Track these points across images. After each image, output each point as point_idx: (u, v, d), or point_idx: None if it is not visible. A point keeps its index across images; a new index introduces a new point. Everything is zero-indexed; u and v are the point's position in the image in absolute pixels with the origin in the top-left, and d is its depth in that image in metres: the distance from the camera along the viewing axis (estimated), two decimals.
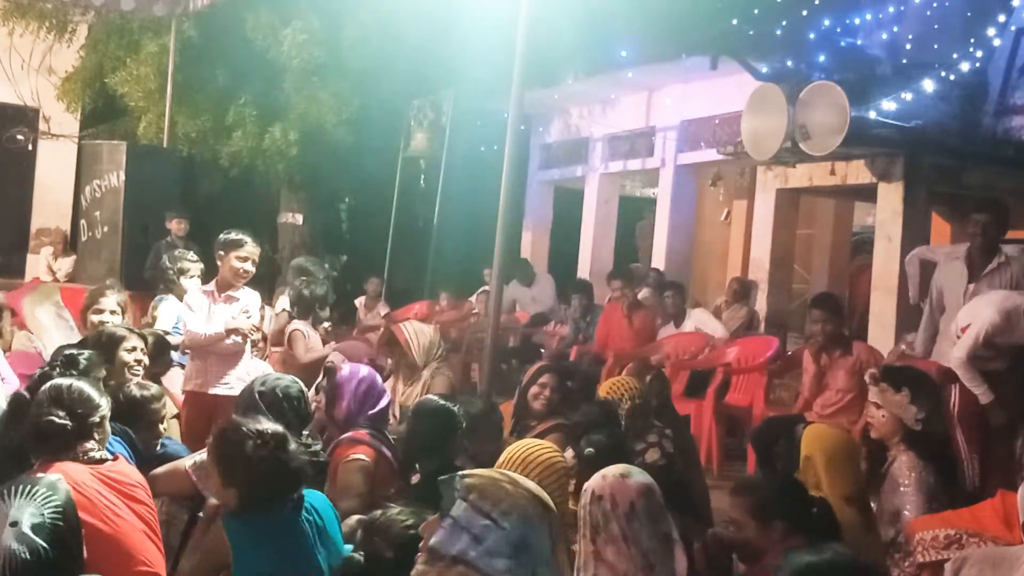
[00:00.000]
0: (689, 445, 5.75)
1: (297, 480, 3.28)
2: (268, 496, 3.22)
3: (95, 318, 5.89)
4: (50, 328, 6.84)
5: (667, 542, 2.86)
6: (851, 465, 4.09)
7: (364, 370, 4.82)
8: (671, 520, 2.96)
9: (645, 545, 2.80)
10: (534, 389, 5.47)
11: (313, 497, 3.39)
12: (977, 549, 3.65)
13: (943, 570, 3.63)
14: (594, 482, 2.90)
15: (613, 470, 2.96)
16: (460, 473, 2.38)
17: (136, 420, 4.16)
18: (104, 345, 4.94)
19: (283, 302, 7.77)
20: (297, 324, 6.70)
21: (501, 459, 3.48)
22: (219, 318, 5.52)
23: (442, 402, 4.39)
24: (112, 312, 6.01)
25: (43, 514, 2.48)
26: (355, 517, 3.90)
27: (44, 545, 2.44)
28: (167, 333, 6.37)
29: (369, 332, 10.47)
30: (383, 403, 4.75)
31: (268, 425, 3.32)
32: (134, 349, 5.04)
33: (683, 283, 9.83)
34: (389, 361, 7.35)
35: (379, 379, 4.90)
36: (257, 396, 4.09)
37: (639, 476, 2.93)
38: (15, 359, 5.82)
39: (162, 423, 4.40)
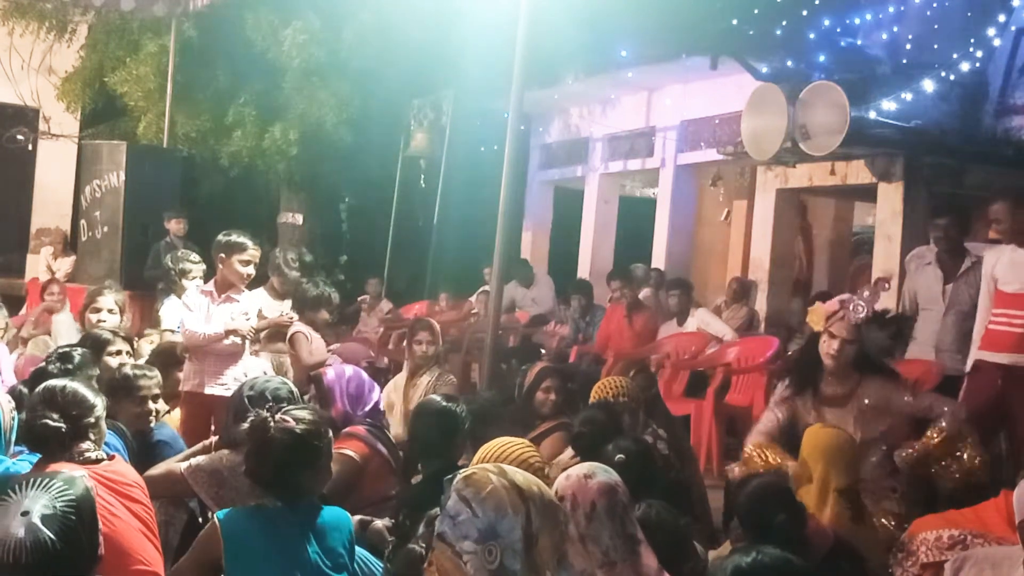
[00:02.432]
0: (684, 443, 5.76)
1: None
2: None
3: (93, 317, 5.92)
4: (63, 332, 6.88)
5: (631, 542, 2.87)
6: (844, 461, 4.21)
7: (349, 369, 4.85)
8: (635, 520, 2.97)
9: (605, 544, 2.83)
10: (540, 395, 5.56)
11: (327, 511, 3.40)
12: (978, 549, 3.65)
13: (945, 569, 3.63)
14: (559, 482, 2.93)
15: (578, 470, 2.98)
16: (461, 471, 2.47)
17: (125, 395, 4.29)
18: (90, 348, 4.96)
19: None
20: (299, 327, 6.71)
21: (476, 457, 3.48)
22: (218, 319, 5.51)
23: (445, 403, 4.39)
24: (110, 311, 6.02)
25: (55, 506, 2.50)
26: (357, 517, 3.91)
27: (51, 536, 2.45)
28: (172, 331, 6.35)
29: (379, 328, 10.49)
30: (374, 398, 4.78)
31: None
32: (119, 353, 5.05)
33: (689, 281, 9.82)
34: (386, 361, 7.35)
35: (365, 376, 4.92)
36: (247, 400, 4.08)
37: (603, 476, 2.95)
38: (27, 364, 5.88)
39: (153, 401, 4.44)
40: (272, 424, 3.33)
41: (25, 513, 2.47)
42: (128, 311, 6.34)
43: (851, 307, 4.81)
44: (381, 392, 6.30)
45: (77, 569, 2.53)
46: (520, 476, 2.42)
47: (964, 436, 4.63)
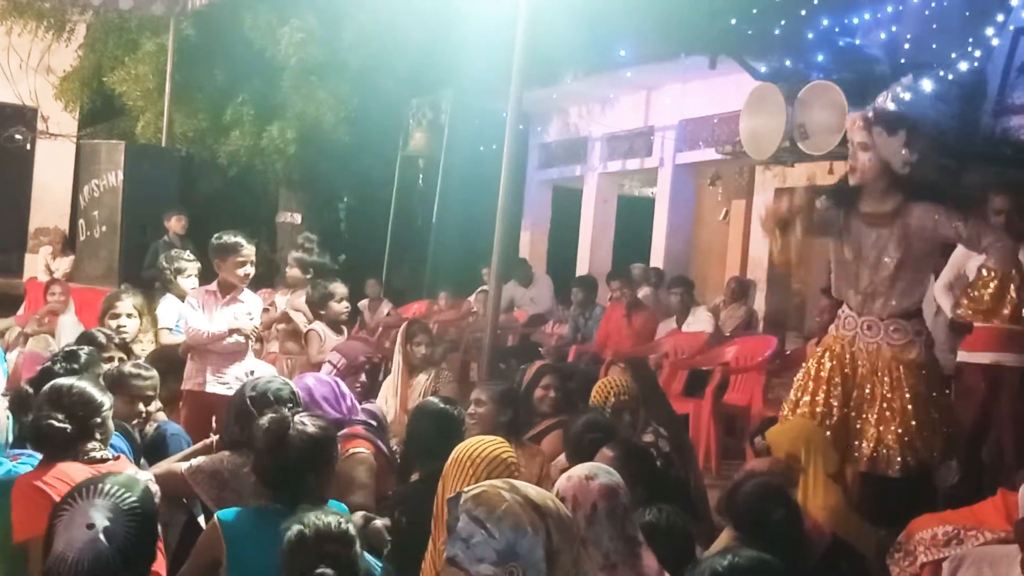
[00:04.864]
0: (684, 442, 5.77)
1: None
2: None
3: (113, 323, 5.87)
4: (67, 333, 6.89)
5: (632, 544, 2.85)
6: (823, 445, 4.33)
7: (311, 379, 4.78)
8: (636, 522, 2.96)
9: (606, 546, 2.80)
10: (539, 392, 5.58)
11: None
12: (975, 548, 3.66)
13: (943, 569, 3.65)
14: (560, 483, 2.91)
15: (579, 471, 2.96)
16: (464, 490, 2.37)
17: (115, 392, 4.16)
18: None
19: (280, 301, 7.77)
20: (314, 325, 6.77)
21: (449, 459, 3.49)
22: (222, 319, 5.52)
23: (443, 405, 4.41)
24: (129, 315, 6.01)
25: (117, 516, 2.50)
26: (360, 513, 3.92)
27: (108, 548, 2.45)
28: (169, 330, 6.35)
29: (378, 328, 10.51)
30: (346, 391, 4.77)
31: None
32: (111, 359, 5.04)
33: (690, 279, 9.82)
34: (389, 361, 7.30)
35: (327, 377, 4.92)
36: (248, 401, 4.08)
37: (604, 478, 2.92)
38: (27, 361, 5.88)
39: (147, 402, 4.42)
40: (292, 426, 3.34)
41: (91, 526, 2.47)
42: (147, 313, 6.30)
43: (864, 111, 4.69)
44: (376, 392, 6.35)
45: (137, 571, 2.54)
46: (533, 491, 2.33)
47: (1015, 275, 4.56)
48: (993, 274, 4.56)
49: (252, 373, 5.42)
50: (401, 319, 10.51)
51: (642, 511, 3.54)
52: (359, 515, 3.81)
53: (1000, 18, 8.73)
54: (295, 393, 4.29)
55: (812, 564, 3.55)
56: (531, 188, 14.65)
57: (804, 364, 5.12)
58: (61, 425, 3.34)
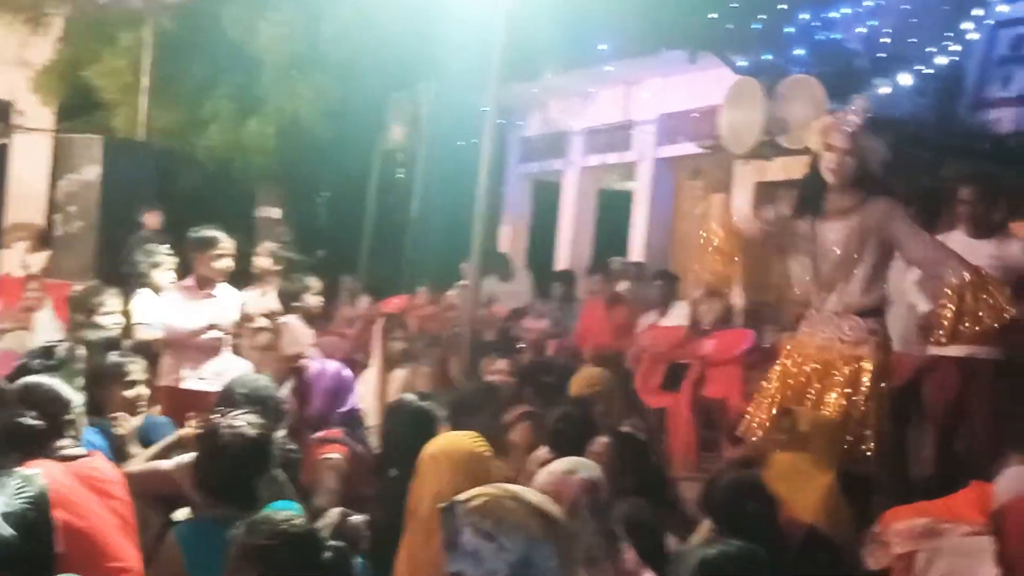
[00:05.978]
0: (655, 432, 5.81)
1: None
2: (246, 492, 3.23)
3: (108, 320, 5.80)
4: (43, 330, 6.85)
5: (612, 538, 2.86)
6: (842, 443, 4.45)
7: (332, 366, 4.83)
8: (614, 517, 2.98)
9: (587, 541, 2.79)
10: (486, 363, 5.56)
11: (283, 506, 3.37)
12: (949, 540, 3.69)
13: (917, 560, 3.67)
14: (540, 479, 2.91)
15: (559, 466, 2.96)
16: (458, 499, 2.26)
17: (114, 381, 4.31)
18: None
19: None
20: (287, 318, 6.77)
21: (423, 455, 3.49)
22: (199, 314, 5.50)
23: (418, 402, 4.40)
24: (117, 312, 5.97)
25: (14, 503, 2.48)
26: (338, 509, 3.90)
27: (11, 532, 2.44)
28: (146, 325, 6.31)
29: (354, 323, 10.47)
30: (352, 400, 4.77)
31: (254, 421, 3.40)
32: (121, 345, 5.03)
33: (673, 272, 9.83)
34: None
35: (348, 375, 4.90)
36: (243, 399, 4.08)
37: (585, 472, 2.91)
38: (2, 359, 5.82)
39: (126, 388, 4.40)
40: (223, 430, 3.30)
41: None
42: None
43: (844, 118, 4.84)
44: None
45: (37, 567, 2.52)
46: (533, 496, 2.27)
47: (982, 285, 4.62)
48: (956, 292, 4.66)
49: (225, 370, 5.41)
50: (379, 314, 10.50)
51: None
52: (336, 511, 3.80)
53: (978, 12, 8.78)
54: (277, 390, 4.31)
55: (789, 556, 3.56)
56: (511, 182, 14.63)
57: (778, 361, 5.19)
58: (32, 423, 3.32)
